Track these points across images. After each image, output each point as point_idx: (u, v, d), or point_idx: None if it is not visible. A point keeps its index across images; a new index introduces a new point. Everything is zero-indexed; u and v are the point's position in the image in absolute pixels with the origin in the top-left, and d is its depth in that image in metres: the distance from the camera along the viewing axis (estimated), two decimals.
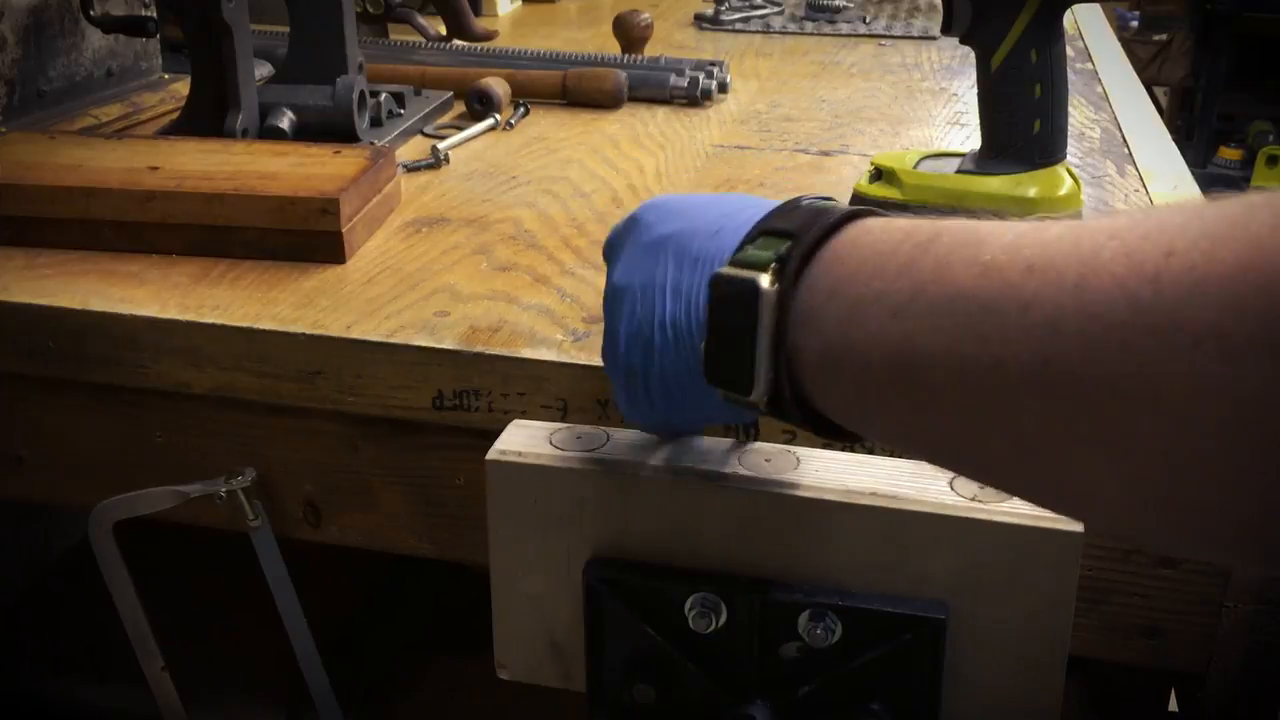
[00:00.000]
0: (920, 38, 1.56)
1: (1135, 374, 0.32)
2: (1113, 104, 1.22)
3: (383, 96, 1.05)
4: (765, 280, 0.43)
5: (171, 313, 0.69)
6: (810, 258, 0.43)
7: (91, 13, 1.01)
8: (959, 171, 0.82)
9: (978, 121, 0.81)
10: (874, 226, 0.43)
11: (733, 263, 0.45)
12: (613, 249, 0.54)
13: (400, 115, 1.07)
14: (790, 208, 0.47)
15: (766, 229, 0.46)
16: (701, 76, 1.20)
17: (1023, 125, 0.78)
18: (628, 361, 0.51)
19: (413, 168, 0.96)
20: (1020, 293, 0.35)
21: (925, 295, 0.38)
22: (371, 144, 0.94)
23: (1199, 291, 0.31)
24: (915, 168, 0.84)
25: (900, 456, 0.53)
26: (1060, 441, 0.35)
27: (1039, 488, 0.38)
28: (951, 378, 0.37)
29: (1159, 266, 0.32)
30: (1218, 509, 0.32)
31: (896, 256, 0.40)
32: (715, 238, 0.49)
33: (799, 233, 0.44)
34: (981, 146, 0.81)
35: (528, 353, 0.64)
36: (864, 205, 0.47)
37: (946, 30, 0.79)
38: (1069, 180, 0.80)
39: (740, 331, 0.44)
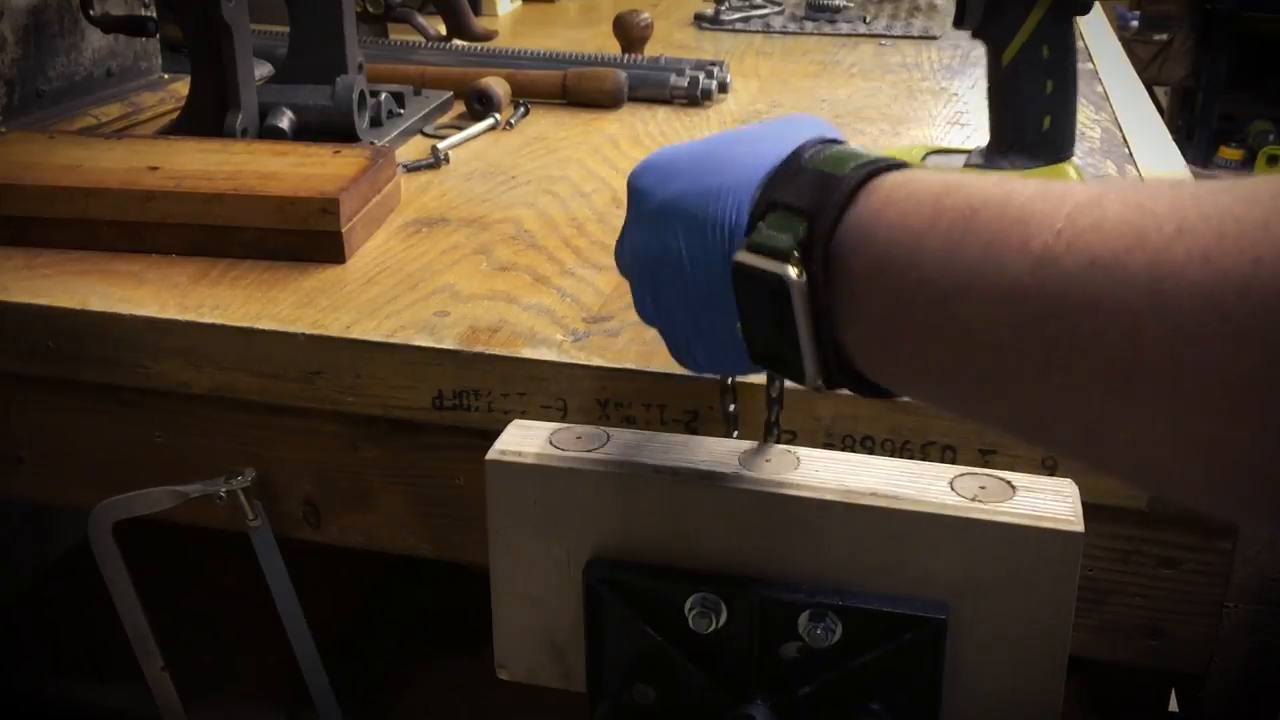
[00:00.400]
0: (920, 37, 1.56)
1: (1216, 387, 0.31)
2: (1113, 104, 1.22)
3: (383, 96, 1.05)
4: (792, 272, 0.42)
5: (171, 313, 0.69)
6: (831, 238, 0.41)
7: (91, 12, 1.01)
8: (966, 166, 0.81)
9: (978, 121, 0.82)
10: (894, 192, 0.41)
11: (750, 247, 0.44)
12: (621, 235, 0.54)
13: (400, 115, 1.07)
14: (794, 170, 0.45)
15: (775, 202, 0.44)
16: (701, 76, 1.20)
17: (1032, 121, 0.78)
18: (666, 327, 0.51)
19: (413, 168, 0.96)
20: (1087, 291, 0.34)
21: (976, 287, 0.37)
22: (371, 144, 0.94)
23: None
24: (922, 162, 0.84)
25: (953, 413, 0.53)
26: (1132, 433, 0.34)
27: (1104, 466, 0.38)
28: (1016, 372, 0.36)
29: (1246, 276, 0.30)
30: None
31: (934, 234, 0.39)
32: (721, 200, 0.47)
33: (813, 212, 0.42)
34: (990, 142, 0.81)
35: (528, 353, 0.64)
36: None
37: (959, 24, 0.79)
38: (1075, 178, 0.80)
39: (778, 325, 0.43)
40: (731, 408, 0.59)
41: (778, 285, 0.42)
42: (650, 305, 0.51)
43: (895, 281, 0.40)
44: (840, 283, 0.41)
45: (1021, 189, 0.38)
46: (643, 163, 0.52)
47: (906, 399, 0.46)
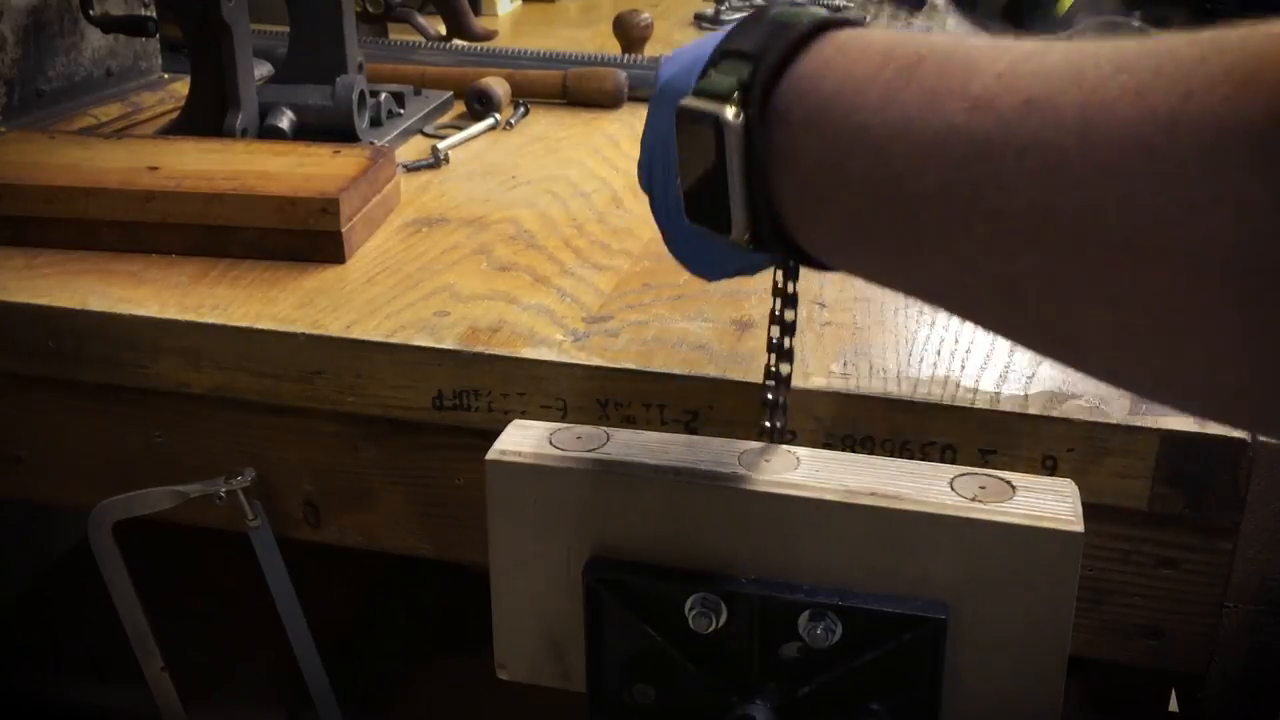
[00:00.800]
0: None
1: (1142, 229, 0.29)
2: None
3: (383, 96, 1.05)
4: (729, 112, 0.39)
5: (171, 313, 0.69)
6: (776, 82, 0.39)
7: (91, 12, 1.01)
8: None
9: None
10: (848, 44, 0.39)
11: (695, 92, 0.41)
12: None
13: (400, 115, 1.07)
14: (752, 21, 0.42)
15: (727, 49, 0.42)
16: None
17: None
18: (659, 219, 0.51)
19: (413, 168, 0.96)
20: (1017, 134, 0.32)
21: (912, 132, 0.35)
22: (371, 144, 0.94)
23: (1220, 146, 0.28)
24: None
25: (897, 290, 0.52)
26: (1055, 292, 0.32)
27: (1026, 334, 0.36)
28: (942, 224, 0.35)
29: (1174, 111, 0.29)
30: (1211, 369, 0.30)
31: (877, 83, 0.37)
32: (688, 62, 0.45)
33: (760, 53, 0.40)
34: None
35: (528, 353, 0.64)
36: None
37: None
38: None
39: (711, 169, 0.41)
40: (778, 424, 0.57)
41: (712, 125, 0.40)
42: (653, 200, 0.51)
43: (832, 130, 0.38)
44: (777, 130, 0.39)
45: (973, 41, 0.36)
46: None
47: (833, 271, 0.44)
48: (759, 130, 0.39)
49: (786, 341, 0.55)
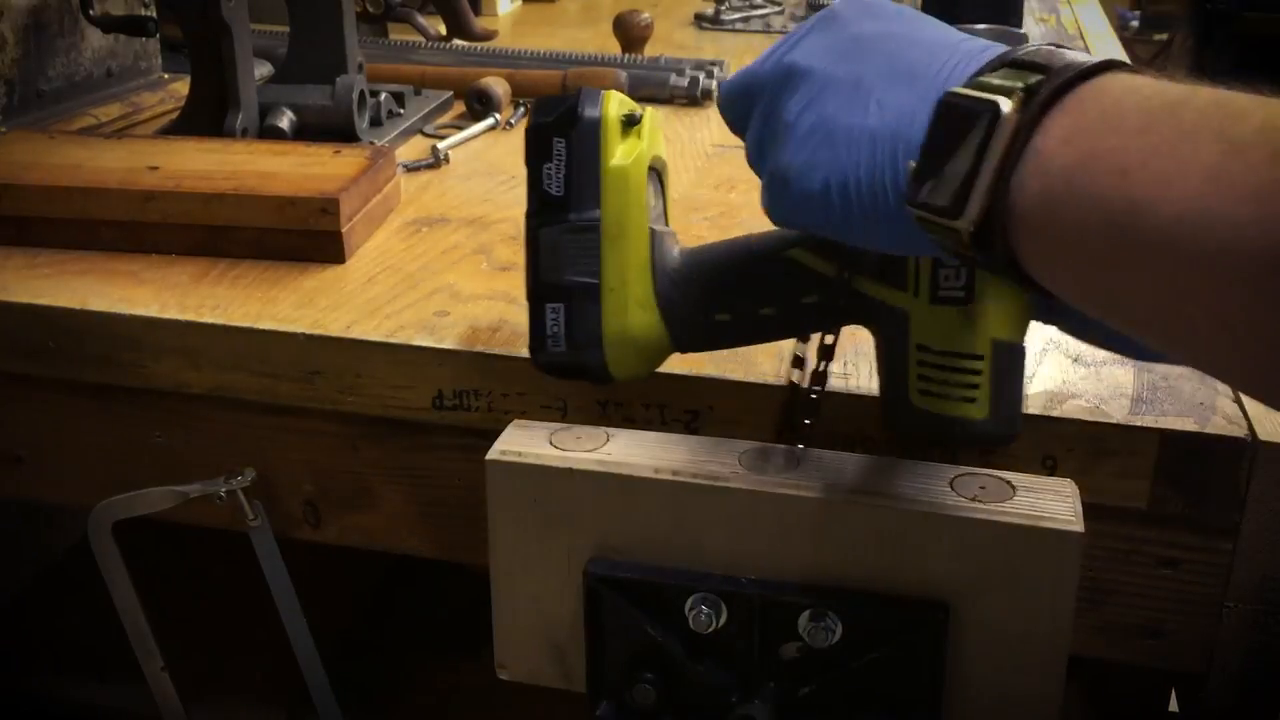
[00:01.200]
0: None
1: None
2: None
3: (383, 96, 1.05)
4: (1008, 105, 0.41)
5: (171, 313, 0.69)
6: (1058, 98, 0.41)
7: (91, 12, 1.01)
8: None
9: None
10: (1125, 79, 0.41)
11: (971, 84, 0.43)
12: (804, 28, 0.51)
13: (400, 115, 1.07)
14: (1036, 47, 0.45)
15: (1013, 61, 0.44)
16: (701, 76, 1.20)
17: None
18: (803, 156, 0.48)
19: (413, 167, 0.96)
20: (1261, 181, 0.33)
21: (1158, 162, 0.37)
22: (371, 144, 0.94)
23: None
24: None
25: (1092, 316, 0.52)
26: (1269, 333, 0.34)
27: (1244, 377, 0.37)
28: (1177, 255, 0.36)
29: None
30: None
31: (1139, 114, 0.39)
32: (934, 54, 0.46)
33: (1052, 69, 0.42)
34: None
35: (528, 353, 0.64)
36: None
37: None
38: None
39: (964, 153, 0.42)
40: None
41: (988, 114, 0.41)
42: (795, 131, 0.48)
43: (1088, 145, 0.39)
44: (1041, 139, 0.41)
45: (1246, 95, 0.38)
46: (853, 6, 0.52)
47: (1034, 289, 0.45)
48: (1026, 134, 0.41)
49: (828, 338, 0.57)
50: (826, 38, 0.49)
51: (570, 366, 0.57)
